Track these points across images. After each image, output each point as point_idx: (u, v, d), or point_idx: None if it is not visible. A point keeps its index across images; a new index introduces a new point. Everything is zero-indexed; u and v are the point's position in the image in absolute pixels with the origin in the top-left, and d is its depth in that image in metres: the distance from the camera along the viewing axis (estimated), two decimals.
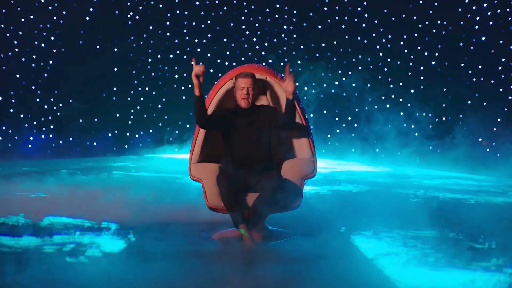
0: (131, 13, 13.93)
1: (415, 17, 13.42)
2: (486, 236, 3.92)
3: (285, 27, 14.00)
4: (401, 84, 13.48)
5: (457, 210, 5.28)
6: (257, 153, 4.05)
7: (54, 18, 13.40)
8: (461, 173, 9.47)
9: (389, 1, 13.47)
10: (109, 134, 13.64)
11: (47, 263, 3.19)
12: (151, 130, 14.00)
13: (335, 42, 13.81)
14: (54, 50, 13.42)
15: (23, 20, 13.15)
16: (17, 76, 13.17)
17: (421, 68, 13.43)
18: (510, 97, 12.54)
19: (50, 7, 13.36)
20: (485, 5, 12.74)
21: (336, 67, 13.67)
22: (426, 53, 13.35)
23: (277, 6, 14.04)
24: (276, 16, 14.04)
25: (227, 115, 4.03)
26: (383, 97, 13.38)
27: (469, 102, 12.98)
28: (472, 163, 9.90)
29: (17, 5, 13.13)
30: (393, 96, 13.39)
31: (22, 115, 13.10)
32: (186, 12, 14.12)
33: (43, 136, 13.12)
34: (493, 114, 12.38)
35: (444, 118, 13.12)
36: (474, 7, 12.87)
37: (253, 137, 4.03)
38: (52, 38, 13.39)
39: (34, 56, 13.28)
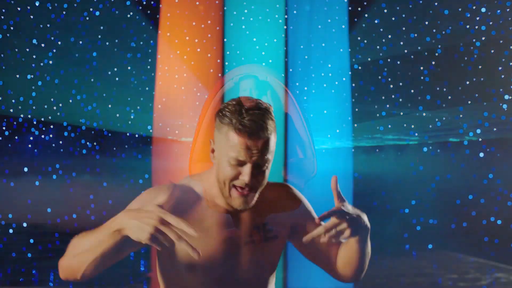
0: (131, 13, 13.93)
1: (415, 17, 13.42)
2: None
3: (285, 27, 14.00)
4: (401, 84, 13.47)
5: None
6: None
7: (53, 17, 13.40)
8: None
9: (390, 2, 13.45)
10: (109, 134, 13.64)
11: (46, 263, 3.19)
12: (151, 130, 13.99)
13: (335, 42, 13.82)
14: (54, 50, 13.42)
15: (23, 20, 13.15)
16: (17, 76, 13.17)
17: (421, 68, 13.43)
18: (508, 97, 12.53)
19: (50, 7, 13.36)
20: (483, 9, 12.75)
21: (336, 67, 13.66)
22: (426, 53, 13.35)
23: (277, 6, 14.04)
24: (276, 16, 14.04)
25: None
26: (383, 97, 13.38)
27: (469, 102, 12.98)
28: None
29: (17, 5, 13.13)
30: (393, 96, 13.39)
31: (22, 115, 13.11)
32: (186, 12, 14.12)
33: (43, 136, 13.12)
34: (493, 114, 12.37)
35: (444, 118, 13.12)
36: (474, 7, 12.87)
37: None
38: (52, 38, 13.39)
39: (34, 56, 13.28)
